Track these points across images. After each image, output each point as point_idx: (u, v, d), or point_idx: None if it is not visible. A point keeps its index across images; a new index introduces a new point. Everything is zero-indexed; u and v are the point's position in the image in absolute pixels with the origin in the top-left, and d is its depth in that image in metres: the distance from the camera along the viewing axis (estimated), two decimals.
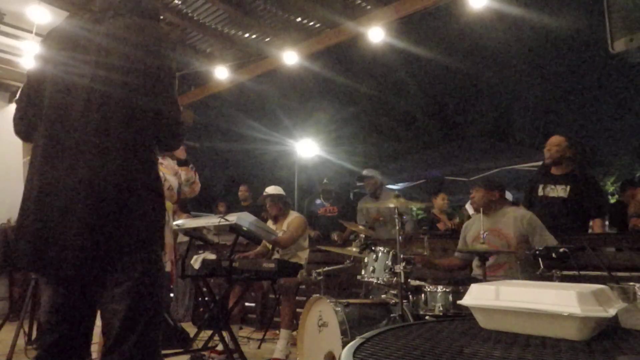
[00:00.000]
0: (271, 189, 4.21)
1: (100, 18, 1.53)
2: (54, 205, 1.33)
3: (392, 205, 2.95)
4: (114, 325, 1.38)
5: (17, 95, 1.61)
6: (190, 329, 3.96)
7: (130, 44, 1.44)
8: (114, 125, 1.37)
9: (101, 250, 1.32)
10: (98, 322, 1.46)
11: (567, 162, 3.67)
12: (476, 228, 3.19)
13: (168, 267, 2.46)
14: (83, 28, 1.52)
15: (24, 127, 1.51)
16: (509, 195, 6.32)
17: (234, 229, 3.34)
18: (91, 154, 1.34)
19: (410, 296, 2.77)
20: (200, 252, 3.93)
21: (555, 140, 3.73)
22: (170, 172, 2.54)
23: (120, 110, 1.39)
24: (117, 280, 1.37)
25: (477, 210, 3.25)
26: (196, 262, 3.39)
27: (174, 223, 3.43)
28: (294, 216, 4.13)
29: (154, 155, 1.48)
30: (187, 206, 5.93)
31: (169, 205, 2.49)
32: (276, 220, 4.19)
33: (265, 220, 4.24)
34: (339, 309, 2.63)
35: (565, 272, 2.62)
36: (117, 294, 1.37)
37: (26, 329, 3.90)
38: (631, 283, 1.24)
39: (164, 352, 3.36)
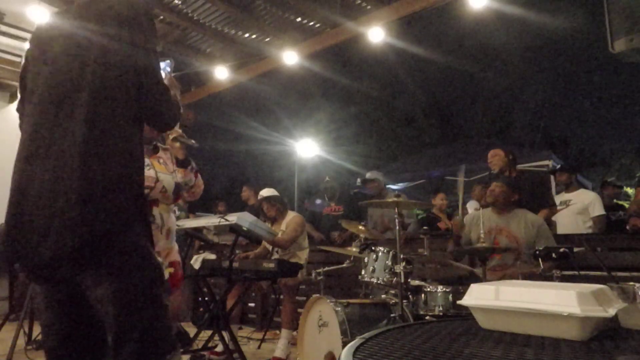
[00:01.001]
0: (265, 192, 4.21)
1: (69, 7, 1.50)
2: (24, 199, 1.29)
3: (394, 209, 2.94)
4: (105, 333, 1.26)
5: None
6: (190, 329, 3.96)
7: (94, 25, 1.38)
8: (86, 116, 1.31)
9: (69, 241, 1.22)
10: None
11: (511, 167, 3.94)
12: (479, 227, 3.18)
13: (166, 275, 2.30)
14: (55, 21, 1.50)
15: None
16: None
17: (234, 229, 3.34)
18: (62, 146, 1.29)
19: (410, 296, 2.77)
20: (200, 252, 3.93)
21: (494, 152, 4.05)
22: (167, 170, 2.40)
23: (93, 103, 1.32)
24: (97, 279, 1.26)
25: (492, 204, 3.23)
26: (196, 262, 3.39)
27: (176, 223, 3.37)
28: (292, 216, 4.13)
29: (131, 142, 1.38)
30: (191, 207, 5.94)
31: (163, 207, 2.34)
32: (274, 221, 4.19)
33: (264, 221, 4.24)
34: (339, 309, 2.63)
35: (565, 272, 2.62)
36: (101, 295, 1.26)
37: (26, 329, 3.90)
38: (631, 283, 1.24)
39: None
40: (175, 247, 2.40)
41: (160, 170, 2.34)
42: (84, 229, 1.22)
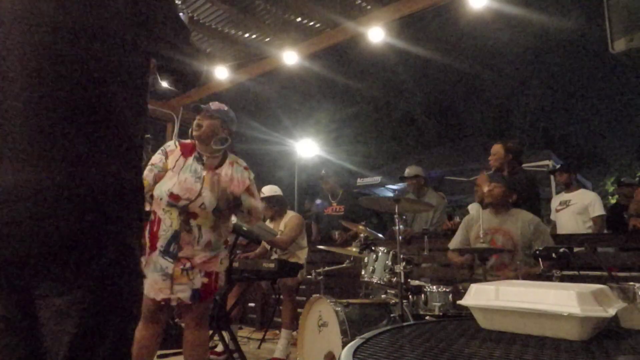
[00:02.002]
0: (267, 190, 4.19)
1: None
2: None
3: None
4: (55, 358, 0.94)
5: None
6: None
7: None
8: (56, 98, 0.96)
9: (50, 236, 0.92)
10: None
11: (510, 165, 3.83)
12: (479, 226, 3.17)
13: (198, 284, 2.24)
14: None
15: None
16: None
17: (234, 229, 3.34)
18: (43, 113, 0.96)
19: (410, 296, 2.77)
20: None
21: (494, 149, 3.91)
22: (214, 189, 2.27)
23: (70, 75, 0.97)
24: (59, 287, 0.95)
25: (490, 204, 3.22)
26: None
27: None
28: (290, 215, 4.12)
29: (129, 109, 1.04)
30: None
31: (202, 221, 2.25)
32: (272, 219, 4.19)
33: (264, 219, 4.24)
34: (339, 309, 2.63)
35: (565, 272, 2.62)
36: (61, 305, 0.94)
37: None
38: (631, 283, 1.24)
39: (164, 352, 3.36)
40: (221, 256, 2.32)
41: (207, 187, 2.27)
42: (64, 224, 0.93)
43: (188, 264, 2.22)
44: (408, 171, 4.90)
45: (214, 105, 2.42)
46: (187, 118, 6.63)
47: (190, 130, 2.38)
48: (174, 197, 2.23)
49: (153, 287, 2.20)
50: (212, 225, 2.27)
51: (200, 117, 2.35)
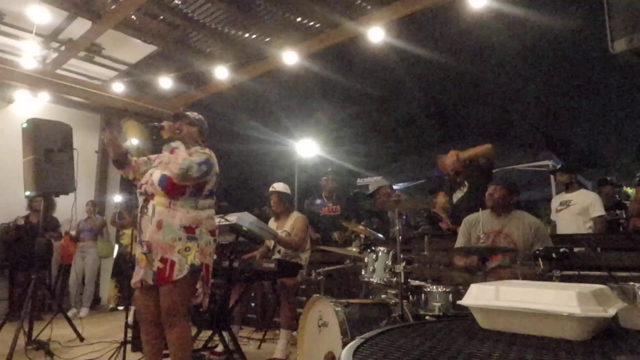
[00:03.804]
0: (279, 186, 4.18)
1: None
2: None
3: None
4: None
5: None
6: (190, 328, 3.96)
7: None
8: None
9: None
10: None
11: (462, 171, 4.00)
12: (479, 227, 3.17)
13: (156, 267, 2.43)
14: None
15: None
16: None
17: (234, 229, 3.34)
18: None
19: (410, 296, 2.77)
20: None
21: (458, 158, 4.19)
22: (162, 166, 2.55)
23: None
24: None
25: (492, 208, 3.22)
26: None
27: None
28: (297, 216, 4.10)
29: None
30: None
31: (159, 200, 2.47)
32: (277, 218, 4.17)
33: (265, 219, 4.22)
34: (339, 309, 2.63)
35: (565, 272, 2.62)
36: None
37: (26, 329, 3.90)
38: (631, 283, 1.24)
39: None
40: (178, 245, 2.42)
41: (157, 167, 2.57)
42: None
43: (146, 248, 2.43)
44: (372, 187, 5.34)
45: (194, 114, 2.79)
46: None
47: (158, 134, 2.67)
48: (140, 187, 2.55)
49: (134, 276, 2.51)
50: (165, 204, 2.46)
51: (181, 123, 2.66)
